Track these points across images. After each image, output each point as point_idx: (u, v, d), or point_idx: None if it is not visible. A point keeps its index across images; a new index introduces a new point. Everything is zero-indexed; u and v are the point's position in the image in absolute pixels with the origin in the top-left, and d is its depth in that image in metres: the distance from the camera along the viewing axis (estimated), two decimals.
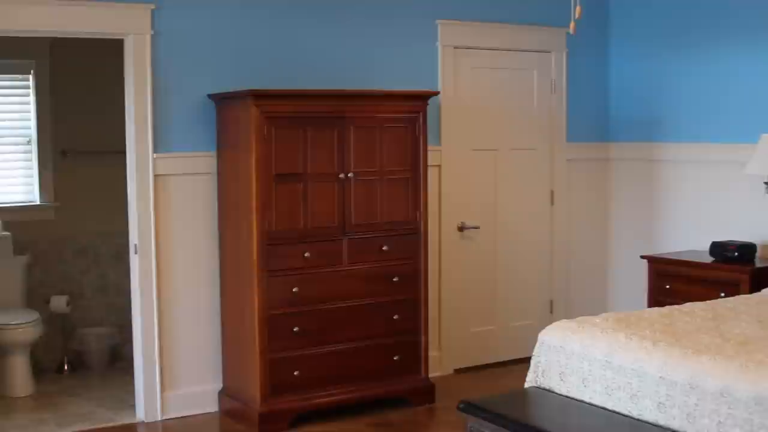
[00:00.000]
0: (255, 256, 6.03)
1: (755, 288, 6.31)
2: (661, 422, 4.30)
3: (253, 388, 6.14)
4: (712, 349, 4.41)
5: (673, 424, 4.25)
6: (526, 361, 5.20)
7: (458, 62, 7.43)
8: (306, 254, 6.19)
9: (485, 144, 7.62)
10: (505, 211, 7.78)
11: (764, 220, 6.97)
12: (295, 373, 6.19)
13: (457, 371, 7.56)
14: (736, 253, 6.69)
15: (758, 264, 6.64)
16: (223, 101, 6.36)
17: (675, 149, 7.69)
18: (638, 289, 7.44)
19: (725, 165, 7.24)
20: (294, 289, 6.15)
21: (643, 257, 7.23)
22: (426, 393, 6.71)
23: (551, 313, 7.96)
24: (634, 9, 8.02)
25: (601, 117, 8.25)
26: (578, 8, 4.63)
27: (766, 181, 6.75)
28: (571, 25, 4.74)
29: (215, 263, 6.54)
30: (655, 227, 7.91)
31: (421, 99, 6.60)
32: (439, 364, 7.39)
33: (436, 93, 6.90)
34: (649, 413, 4.38)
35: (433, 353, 7.11)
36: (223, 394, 6.56)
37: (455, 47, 7.40)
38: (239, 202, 6.19)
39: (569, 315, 6.98)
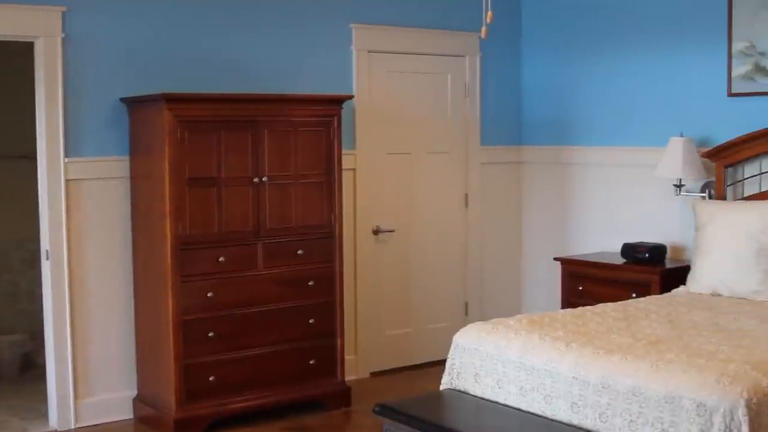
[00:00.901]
0: (169, 261, 5.98)
1: (665, 288, 6.41)
2: (575, 422, 4.36)
3: (168, 394, 6.08)
4: (623, 348, 4.48)
5: (586, 424, 4.31)
6: (441, 363, 5.22)
7: (373, 66, 7.45)
8: (220, 259, 6.15)
9: (400, 147, 7.64)
10: (420, 214, 7.81)
11: (674, 221, 7.10)
12: (211, 379, 6.14)
13: (374, 374, 7.57)
14: (647, 255, 6.80)
15: (668, 265, 6.76)
16: (135, 105, 6.30)
17: (586, 153, 7.80)
18: (552, 290, 7.53)
19: (636, 168, 7.35)
20: (209, 294, 6.11)
21: (556, 259, 7.32)
22: (342, 396, 6.71)
23: (466, 315, 8.01)
24: (546, 15, 8.11)
25: (514, 121, 8.33)
26: (490, 13, 4.66)
27: (675, 183, 6.88)
28: (483, 29, 4.78)
29: (129, 269, 6.47)
30: (568, 229, 8.01)
31: (335, 103, 6.60)
32: (355, 367, 7.39)
33: (351, 97, 6.90)
34: (562, 413, 4.43)
35: (349, 357, 7.11)
36: (137, 400, 6.49)
37: (370, 51, 7.42)
38: (152, 207, 6.13)
39: (484, 317, 7.04)
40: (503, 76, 8.24)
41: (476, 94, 8.06)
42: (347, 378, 6.88)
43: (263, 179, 6.28)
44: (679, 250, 7.07)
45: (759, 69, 6.58)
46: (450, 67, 7.92)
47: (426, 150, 7.81)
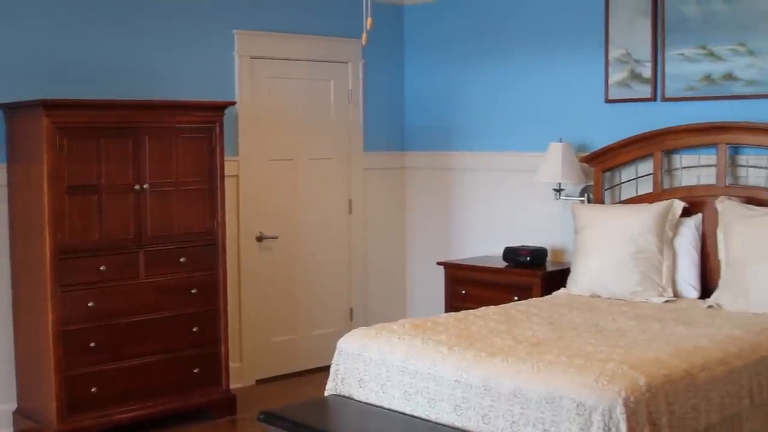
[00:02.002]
0: (48, 271, 5.86)
1: (546, 291, 6.52)
2: (458, 424, 4.41)
3: (49, 406, 5.96)
4: (504, 351, 4.54)
5: (470, 426, 4.36)
6: (327, 369, 5.22)
7: (255, 72, 7.42)
8: (101, 267, 6.05)
9: (283, 154, 7.63)
10: (304, 220, 7.81)
11: (554, 225, 7.23)
12: (93, 390, 6.04)
13: (259, 382, 7.54)
14: (528, 258, 6.90)
15: (549, 268, 6.88)
16: (12, 111, 6.16)
17: (469, 158, 7.89)
18: (436, 294, 7.58)
19: (517, 173, 7.46)
20: (90, 304, 6.01)
21: (439, 263, 7.38)
22: (227, 405, 6.67)
23: (351, 320, 8.03)
24: (429, 22, 8.19)
25: (397, 127, 8.39)
26: (369, 20, 4.69)
27: (555, 188, 7.00)
28: (364, 36, 4.80)
29: (7, 278, 6.32)
30: (451, 234, 8.09)
31: (217, 109, 6.56)
32: (241, 375, 7.35)
33: (233, 103, 6.86)
34: (446, 416, 4.47)
35: (234, 364, 7.07)
36: (17, 414, 6.35)
37: (252, 57, 7.39)
38: (31, 215, 6.01)
39: (369, 322, 7.07)
40: (386, 82, 8.30)
41: (359, 101, 8.09)
42: (232, 386, 6.84)
43: (144, 186, 6.21)
44: (559, 253, 7.20)
45: (634, 76, 6.74)
46: (333, 74, 7.94)
47: (309, 156, 7.81)
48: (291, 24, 7.60)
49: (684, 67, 6.50)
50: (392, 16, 8.27)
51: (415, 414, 4.61)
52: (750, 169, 6.17)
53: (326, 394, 5.12)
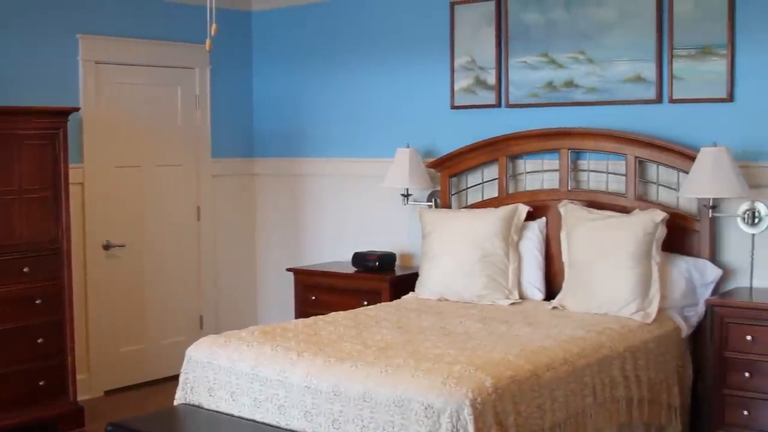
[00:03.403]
0: None
1: (395, 295, 6.58)
2: (309, 430, 4.42)
3: None
4: (354, 356, 4.57)
5: None
6: (177, 378, 5.16)
7: (100, 78, 7.29)
8: None
9: (130, 161, 7.51)
10: (152, 228, 7.71)
11: (402, 230, 7.30)
12: None
13: (108, 393, 7.40)
14: (377, 263, 6.95)
15: (398, 272, 6.95)
16: None
17: (319, 164, 7.91)
18: (286, 301, 7.57)
19: (366, 179, 7.51)
20: None
21: (288, 270, 7.37)
22: (75, 417, 6.53)
23: (201, 328, 7.95)
24: (277, 27, 8.17)
25: (246, 133, 8.35)
26: (214, 26, 4.67)
27: (403, 193, 7.07)
28: (207, 41, 4.78)
29: None
30: (301, 240, 8.09)
31: (60, 115, 6.41)
32: (89, 386, 7.21)
33: (77, 109, 6.70)
34: (296, 422, 4.48)
35: (81, 376, 6.93)
36: None
37: (97, 62, 7.26)
38: None
39: (219, 330, 7.01)
40: (234, 88, 8.25)
41: (206, 107, 8.03)
42: (80, 398, 6.71)
43: None
44: (408, 257, 7.28)
45: (479, 82, 6.87)
46: (180, 79, 7.86)
47: (156, 163, 7.71)
48: (137, 29, 7.50)
49: (527, 75, 6.65)
50: (240, 21, 8.23)
51: (266, 421, 4.61)
52: (591, 173, 6.35)
53: (176, 403, 5.07)
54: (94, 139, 7.24)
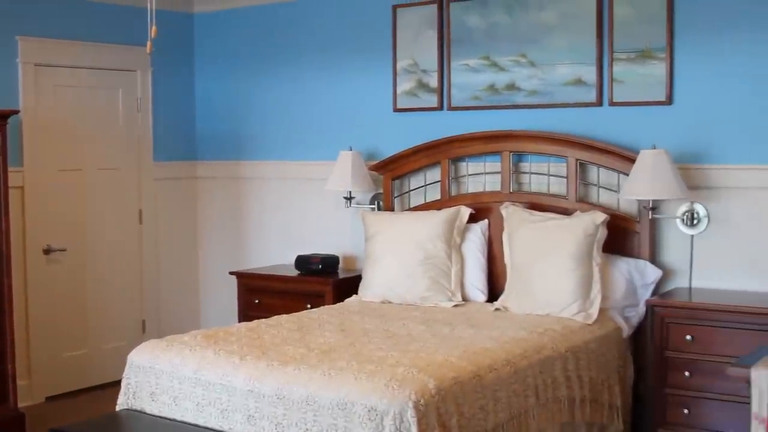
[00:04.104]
0: None
1: (339, 298, 6.59)
2: None
3: None
4: (297, 359, 4.57)
5: None
6: (119, 384, 5.12)
7: (40, 80, 7.22)
8: None
9: (71, 164, 7.44)
10: (93, 232, 7.64)
11: (345, 233, 7.31)
12: None
13: (49, 399, 7.32)
14: (320, 266, 6.96)
15: (341, 275, 6.95)
16: None
17: (262, 167, 7.89)
18: (230, 304, 7.55)
19: (309, 182, 7.52)
20: None
21: (231, 273, 7.35)
22: (15, 424, 6.43)
23: (144, 333, 7.90)
24: (219, 30, 8.14)
25: (188, 136, 8.31)
26: (154, 29, 4.65)
27: (345, 196, 7.07)
28: (148, 44, 4.76)
29: None
30: (244, 243, 8.07)
31: None
32: (30, 392, 7.13)
33: (16, 111, 6.62)
34: (239, 426, 4.47)
35: (22, 382, 6.84)
36: None
37: (36, 65, 7.19)
38: None
39: (162, 334, 6.95)
40: (176, 91, 8.21)
41: (148, 109, 7.98)
42: (21, 404, 6.62)
43: None
44: (351, 260, 7.29)
45: (422, 85, 6.89)
46: (121, 82, 7.80)
47: (98, 166, 7.65)
48: (77, 31, 7.43)
49: (469, 77, 6.68)
50: (182, 23, 8.19)
51: (208, 426, 4.58)
52: (533, 175, 6.40)
53: (118, 409, 5.03)
54: (34, 143, 7.17)
